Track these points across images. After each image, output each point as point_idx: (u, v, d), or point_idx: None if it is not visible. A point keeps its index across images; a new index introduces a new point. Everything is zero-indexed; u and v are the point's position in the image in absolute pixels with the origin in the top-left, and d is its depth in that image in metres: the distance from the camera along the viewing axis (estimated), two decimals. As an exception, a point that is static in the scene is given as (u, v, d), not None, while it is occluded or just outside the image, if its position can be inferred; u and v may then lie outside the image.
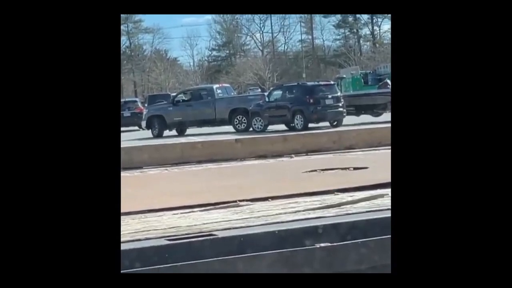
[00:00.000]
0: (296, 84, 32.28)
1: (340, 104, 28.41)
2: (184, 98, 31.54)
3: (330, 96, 28.43)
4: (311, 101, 27.95)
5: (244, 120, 29.43)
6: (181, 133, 30.04)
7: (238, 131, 28.54)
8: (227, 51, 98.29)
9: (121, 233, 5.56)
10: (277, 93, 30.34)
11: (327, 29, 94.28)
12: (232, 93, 34.50)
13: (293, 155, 12.75)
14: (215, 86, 33.70)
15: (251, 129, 28.70)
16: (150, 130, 30.56)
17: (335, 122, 28.53)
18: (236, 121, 29.51)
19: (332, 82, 32.42)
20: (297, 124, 27.89)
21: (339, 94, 29.59)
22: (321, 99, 28.19)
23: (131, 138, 27.62)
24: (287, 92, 29.76)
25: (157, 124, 30.21)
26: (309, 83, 32.12)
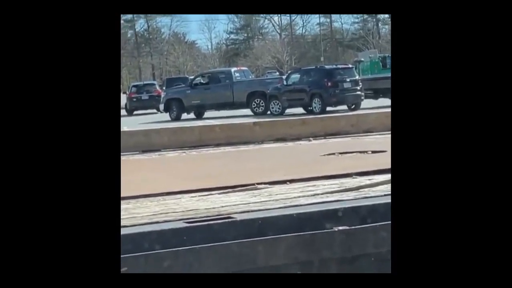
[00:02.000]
0: (314, 67, 32.21)
1: (358, 88, 28.36)
2: (202, 81, 31.56)
3: (348, 80, 28.39)
4: (329, 84, 27.90)
5: (262, 103, 29.40)
6: (199, 116, 30.07)
7: (256, 114, 28.52)
8: (245, 34, 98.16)
9: (140, 215, 5.59)
10: (295, 77, 30.29)
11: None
12: (250, 76, 34.47)
13: (311, 138, 12.73)
14: (233, 69, 33.68)
15: (268, 112, 28.67)
16: (168, 113, 30.61)
17: (353, 106, 28.48)
18: (254, 104, 29.47)
19: (350, 66, 32.32)
20: (315, 107, 27.85)
21: (357, 77, 29.53)
22: (339, 83, 28.14)
23: (150, 121, 27.72)
24: (305, 75, 29.72)
25: (175, 107, 30.24)
26: (327, 66, 32.08)
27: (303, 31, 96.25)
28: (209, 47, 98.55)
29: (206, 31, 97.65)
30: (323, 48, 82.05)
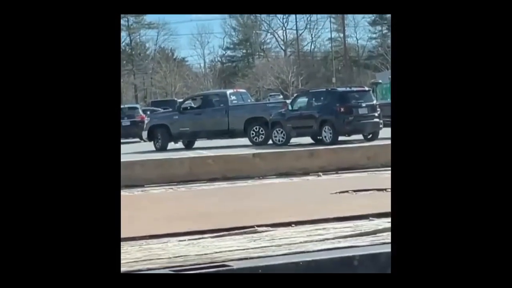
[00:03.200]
0: (324, 90, 32.03)
1: (376, 114, 28.10)
2: (192, 105, 31.56)
3: (364, 105, 28.14)
4: (342, 110, 27.65)
5: (262, 131, 29.38)
6: (188, 146, 30.06)
7: (255, 144, 28.53)
8: (244, 51, 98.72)
9: (120, 262, 5.59)
10: (302, 101, 30.20)
11: (361, 27, 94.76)
12: (249, 100, 34.53)
13: (321, 173, 12.75)
14: (228, 91, 33.73)
15: (270, 142, 28.62)
16: (152, 142, 30.57)
17: (370, 135, 28.30)
18: (252, 133, 29.49)
19: (366, 88, 32.17)
20: (325, 137, 27.66)
21: (374, 102, 29.35)
22: (354, 108, 27.89)
23: (131, 151, 27.72)
24: (313, 99, 29.54)
25: (161, 135, 30.18)
26: (339, 89, 31.93)
27: (312, 47, 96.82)
28: (202, 65, 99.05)
29: (199, 46, 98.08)
30: (335, 67, 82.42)
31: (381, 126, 28.04)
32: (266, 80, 79.16)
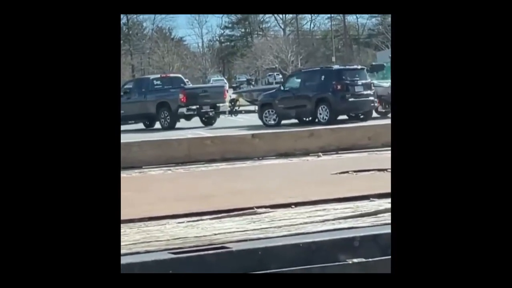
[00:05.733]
0: (319, 68, 31.68)
1: (371, 92, 27.76)
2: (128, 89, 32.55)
3: (360, 83, 27.78)
4: (339, 87, 27.24)
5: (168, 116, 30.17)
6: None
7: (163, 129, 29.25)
8: (243, 30, 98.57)
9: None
10: (295, 80, 29.89)
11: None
12: (188, 84, 35.77)
13: (321, 154, 12.75)
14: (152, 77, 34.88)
15: (260, 123, 28.65)
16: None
17: (362, 115, 27.84)
18: (161, 117, 30.21)
19: (360, 67, 31.77)
20: (321, 116, 27.31)
21: (369, 80, 28.98)
22: (350, 86, 27.49)
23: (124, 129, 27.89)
24: (307, 78, 29.13)
25: None
26: (334, 67, 31.60)
27: (311, 26, 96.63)
28: (200, 44, 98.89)
29: (196, 25, 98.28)
30: (334, 46, 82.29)
31: (375, 104, 27.70)
32: (265, 59, 79.02)
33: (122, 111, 30.88)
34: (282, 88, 29.50)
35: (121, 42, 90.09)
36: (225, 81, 71.56)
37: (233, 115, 34.22)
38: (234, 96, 36.90)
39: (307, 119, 28.03)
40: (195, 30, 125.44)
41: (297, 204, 7.14)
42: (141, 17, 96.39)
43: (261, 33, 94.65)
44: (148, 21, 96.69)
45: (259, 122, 29.09)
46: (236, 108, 35.58)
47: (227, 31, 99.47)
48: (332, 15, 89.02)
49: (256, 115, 31.50)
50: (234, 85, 67.56)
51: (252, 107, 36.17)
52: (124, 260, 5.00)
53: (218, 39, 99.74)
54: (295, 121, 28.47)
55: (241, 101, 36.96)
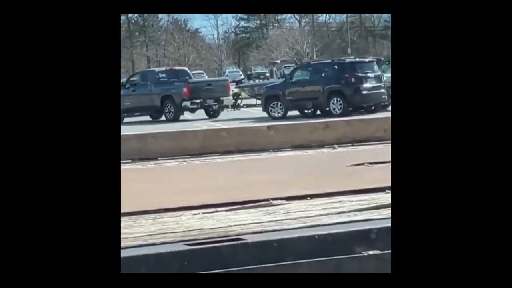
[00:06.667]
0: (329, 61, 31.75)
1: (382, 85, 27.87)
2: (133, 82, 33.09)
3: (372, 75, 27.92)
4: (353, 80, 27.34)
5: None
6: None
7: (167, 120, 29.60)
8: (258, 22, 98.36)
9: (133, 235, 5.61)
10: (303, 73, 29.86)
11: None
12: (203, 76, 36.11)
13: (336, 146, 12.72)
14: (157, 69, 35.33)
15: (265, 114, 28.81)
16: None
17: (374, 107, 27.91)
18: (166, 110, 30.48)
19: (370, 59, 31.82)
20: (334, 109, 27.34)
21: (379, 72, 29.07)
22: (363, 78, 27.61)
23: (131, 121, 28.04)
24: (316, 71, 29.14)
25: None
26: (347, 60, 31.67)
27: (327, 18, 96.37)
28: (215, 36, 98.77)
29: (212, 17, 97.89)
30: (350, 38, 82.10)
31: (384, 97, 27.73)
32: (280, 51, 78.89)
33: (128, 103, 31.30)
34: (290, 80, 29.48)
35: (137, 33, 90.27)
36: (241, 72, 71.59)
37: (235, 109, 34.52)
38: (236, 90, 37.11)
39: (309, 111, 28.14)
40: (211, 22, 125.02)
41: (312, 196, 7.13)
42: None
43: (276, 24, 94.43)
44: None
45: (263, 114, 29.17)
46: (239, 102, 35.86)
47: (243, 23, 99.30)
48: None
49: (258, 108, 31.80)
50: (251, 74, 67.84)
51: (253, 101, 36.51)
52: (139, 252, 5.02)
53: (234, 30, 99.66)
54: (298, 113, 28.55)
55: (243, 95, 37.21)
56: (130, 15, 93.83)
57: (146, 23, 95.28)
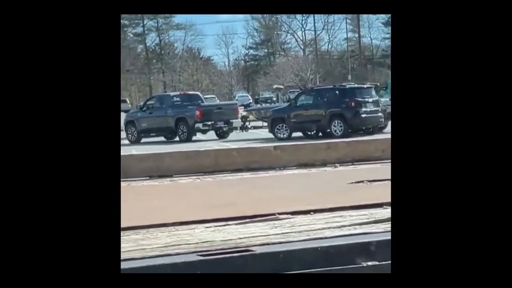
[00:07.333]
0: (331, 86, 32.17)
1: (379, 109, 28.24)
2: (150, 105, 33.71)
3: (370, 100, 28.30)
4: (353, 104, 27.69)
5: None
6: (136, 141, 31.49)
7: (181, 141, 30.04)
8: (266, 50, 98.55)
9: (151, 247, 5.60)
10: (306, 97, 30.21)
11: (375, 27, 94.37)
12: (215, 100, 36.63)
13: (338, 165, 12.71)
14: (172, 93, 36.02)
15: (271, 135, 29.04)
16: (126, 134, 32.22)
17: (372, 129, 28.22)
18: (179, 131, 30.84)
19: (368, 85, 32.39)
20: (335, 130, 27.63)
21: (377, 98, 29.50)
22: (363, 103, 28.00)
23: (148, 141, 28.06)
24: (319, 95, 29.52)
25: (130, 130, 31.97)
26: (347, 85, 32.10)
27: (329, 47, 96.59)
28: (226, 63, 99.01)
29: (223, 46, 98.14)
30: (350, 65, 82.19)
31: (382, 120, 28.09)
32: (286, 77, 79.04)
33: (145, 124, 31.74)
34: (295, 104, 29.76)
35: (154, 61, 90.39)
36: (249, 97, 71.77)
37: (243, 131, 34.80)
38: (244, 113, 37.36)
39: (311, 133, 28.36)
40: (222, 50, 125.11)
41: (316, 211, 7.12)
42: (173, 38, 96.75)
43: (282, 53, 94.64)
44: (179, 42, 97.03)
45: (269, 136, 29.32)
46: (247, 124, 36.20)
47: (252, 51, 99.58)
48: (349, 36, 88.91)
49: (264, 130, 32.07)
50: (258, 98, 68.16)
51: (260, 123, 36.84)
52: (156, 262, 5.01)
53: (243, 58, 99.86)
54: (301, 135, 28.75)
55: (250, 117, 37.49)
56: (148, 44, 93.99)
57: (163, 51, 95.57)
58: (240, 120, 34.25)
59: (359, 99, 28.12)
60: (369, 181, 9.84)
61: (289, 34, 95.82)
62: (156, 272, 4.78)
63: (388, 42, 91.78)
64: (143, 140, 31.37)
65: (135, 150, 17.45)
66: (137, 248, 5.53)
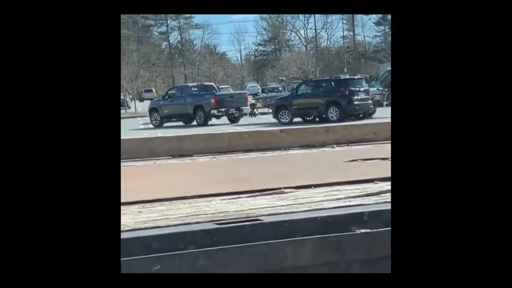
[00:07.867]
0: (328, 78, 32.59)
1: (369, 97, 28.64)
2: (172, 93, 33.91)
3: (362, 89, 28.67)
4: (347, 93, 28.02)
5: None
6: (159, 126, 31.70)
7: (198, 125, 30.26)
8: (273, 46, 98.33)
9: (173, 216, 5.60)
10: (306, 87, 30.47)
11: (367, 26, 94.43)
12: (229, 90, 37.26)
13: (335, 145, 12.67)
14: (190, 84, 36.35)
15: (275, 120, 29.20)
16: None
17: (362, 115, 28.49)
18: (197, 116, 31.17)
19: (360, 76, 32.95)
20: (331, 116, 27.88)
21: (367, 87, 29.95)
22: (355, 92, 28.32)
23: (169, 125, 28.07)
24: (317, 85, 29.80)
25: (153, 116, 32.17)
26: (342, 77, 32.51)
27: (328, 43, 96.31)
28: (239, 58, 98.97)
29: (236, 43, 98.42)
30: (346, 60, 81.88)
31: (371, 107, 28.49)
32: (290, 70, 79.07)
33: (166, 111, 31.91)
34: (296, 93, 29.95)
35: (176, 56, 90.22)
36: (259, 87, 71.81)
37: (252, 116, 35.02)
38: (253, 101, 37.53)
39: (309, 118, 28.56)
40: (235, 47, 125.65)
41: (316, 186, 7.10)
42: (192, 36, 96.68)
43: (287, 49, 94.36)
44: (198, 39, 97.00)
45: (274, 121, 29.43)
46: (255, 111, 36.51)
47: (261, 47, 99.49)
48: (345, 35, 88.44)
49: (270, 116, 32.31)
50: (265, 88, 67.96)
51: (266, 110, 37.24)
52: (178, 229, 5.01)
53: (253, 53, 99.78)
54: (300, 120, 28.89)
55: (258, 105, 37.76)
56: (171, 41, 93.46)
57: (184, 48, 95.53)
58: (249, 107, 34.27)
59: (352, 89, 28.37)
60: (362, 159, 9.81)
61: (293, 33, 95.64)
62: (179, 239, 4.76)
63: (378, 40, 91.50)
64: (165, 125, 31.54)
65: (161, 133, 17.50)
66: (162, 217, 5.53)
